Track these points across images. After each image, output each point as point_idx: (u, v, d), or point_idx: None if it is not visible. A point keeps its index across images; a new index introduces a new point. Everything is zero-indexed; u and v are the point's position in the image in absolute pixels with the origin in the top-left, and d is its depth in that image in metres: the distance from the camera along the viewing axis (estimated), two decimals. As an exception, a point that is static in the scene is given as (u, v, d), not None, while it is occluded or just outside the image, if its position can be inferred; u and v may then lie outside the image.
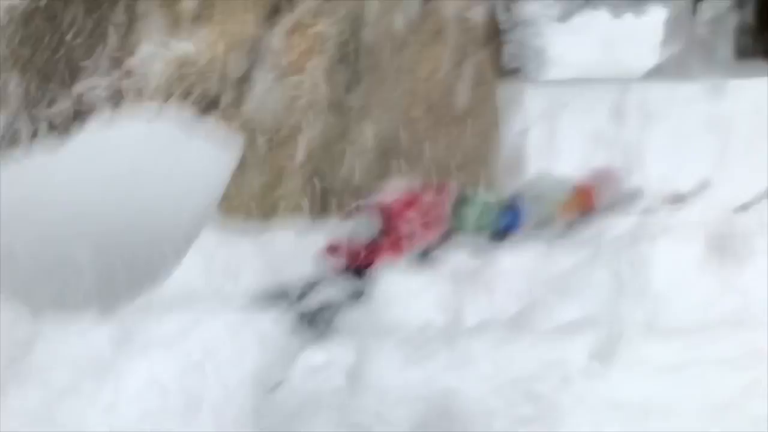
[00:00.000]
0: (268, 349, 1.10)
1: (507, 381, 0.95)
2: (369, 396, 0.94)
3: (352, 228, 2.00)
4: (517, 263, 1.94)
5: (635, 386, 0.95)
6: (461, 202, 2.45)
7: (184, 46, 2.26)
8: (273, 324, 1.16)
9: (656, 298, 1.58)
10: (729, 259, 1.71)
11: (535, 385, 0.94)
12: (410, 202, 2.14)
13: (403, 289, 1.66)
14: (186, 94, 2.28)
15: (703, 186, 4.15)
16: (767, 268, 1.71)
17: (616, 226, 2.17)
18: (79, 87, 2.17)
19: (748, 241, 1.79)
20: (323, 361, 1.27)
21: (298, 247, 2.24)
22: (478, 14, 4.09)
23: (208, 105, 2.37)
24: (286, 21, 2.58)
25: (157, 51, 2.22)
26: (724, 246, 1.78)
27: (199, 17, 2.31)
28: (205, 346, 1.07)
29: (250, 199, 2.45)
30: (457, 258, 2.08)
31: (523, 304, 1.20)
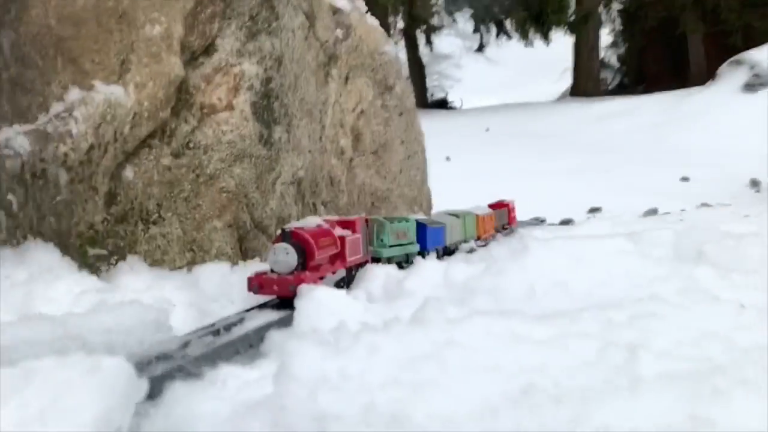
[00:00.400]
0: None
1: (407, 359, 1.10)
2: (292, 386, 1.05)
3: (274, 259, 2.06)
4: (424, 279, 2.18)
5: (513, 356, 1.12)
6: (379, 229, 2.60)
7: (112, 89, 2.31)
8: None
9: (534, 296, 1.89)
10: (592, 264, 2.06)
11: (429, 361, 1.09)
12: (328, 233, 2.24)
13: (324, 311, 1.79)
14: (115, 137, 2.33)
15: (593, 210, 4.66)
16: (626, 268, 2.11)
17: (506, 244, 2.49)
18: (4, 133, 2.18)
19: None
20: (252, 377, 1.38)
21: (225, 285, 2.30)
22: (395, 49, 4.31)
23: (138, 146, 2.42)
24: (211, 61, 2.67)
25: (84, 94, 2.26)
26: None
27: (126, 60, 2.36)
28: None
29: (175, 244, 2.48)
30: (374, 282, 2.27)
31: (420, 307, 1.38)
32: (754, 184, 9.43)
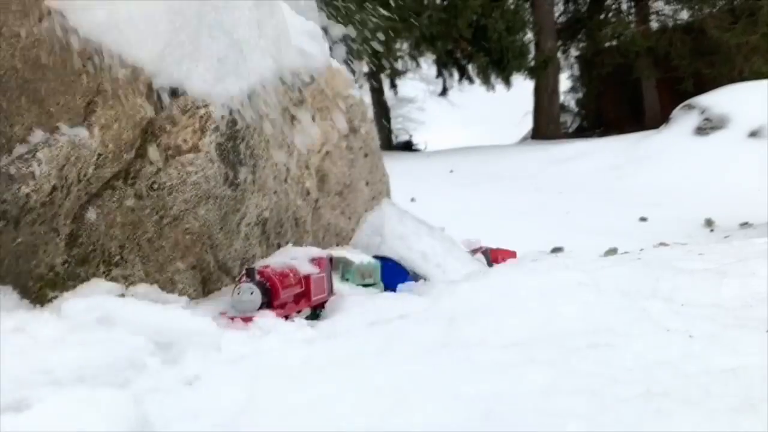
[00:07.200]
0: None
1: (372, 390, 1.13)
2: (260, 418, 1.07)
3: (238, 299, 2.07)
4: (387, 315, 2.21)
5: (474, 384, 1.16)
6: (344, 268, 2.64)
7: (77, 130, 2.32)
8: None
9: (494, 328, 1.93)
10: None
11: (393, 391, 1.13)
12: (292, 272, 2.27)
13: (288, 346, 1.80)
14: (79, 179, 2.33)
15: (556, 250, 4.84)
16: (584, 301, 2.17)
17: (469, 280, 2.56)
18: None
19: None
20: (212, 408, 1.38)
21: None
22: (360, 92, 4.41)
23: (102, 188, 2.43)
24: (177, 102, 2.70)
25: (48, 136, 2.26)
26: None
27: (91, 102, 2.38)
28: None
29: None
30: (338, 318, 2.29)
31: (384, 340, 1.43)
32: (708, 223, 9.76)
